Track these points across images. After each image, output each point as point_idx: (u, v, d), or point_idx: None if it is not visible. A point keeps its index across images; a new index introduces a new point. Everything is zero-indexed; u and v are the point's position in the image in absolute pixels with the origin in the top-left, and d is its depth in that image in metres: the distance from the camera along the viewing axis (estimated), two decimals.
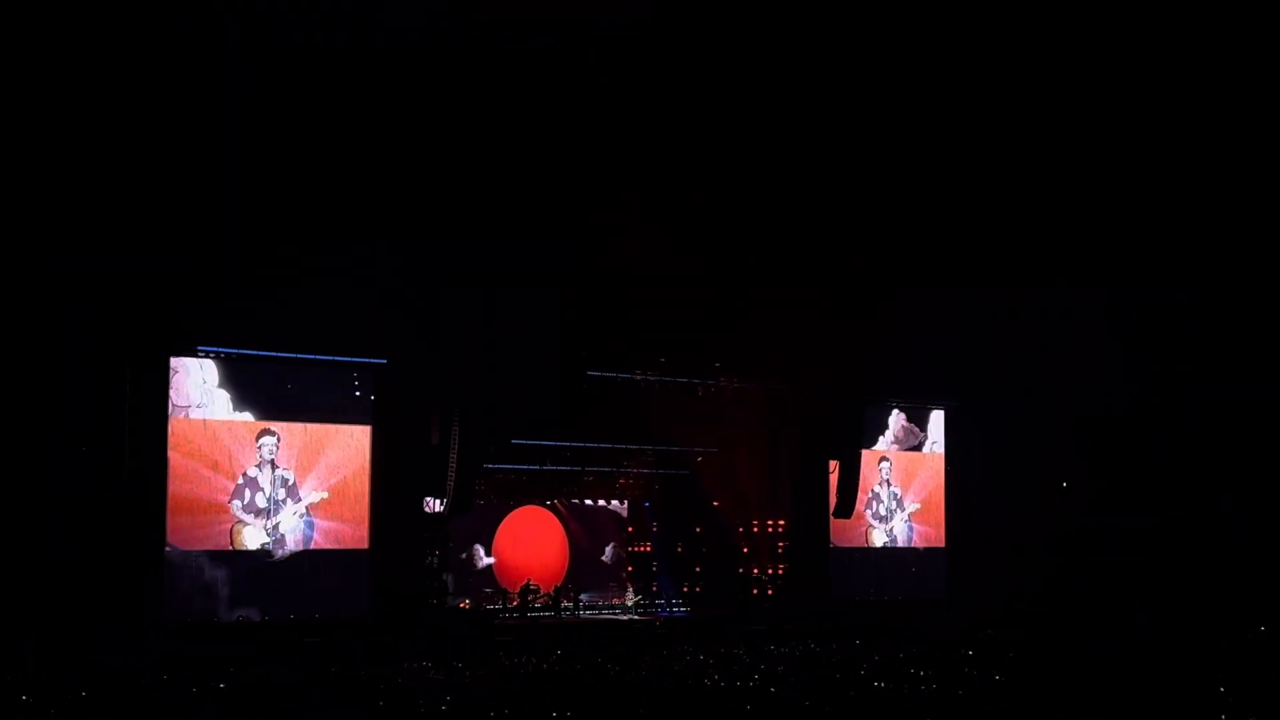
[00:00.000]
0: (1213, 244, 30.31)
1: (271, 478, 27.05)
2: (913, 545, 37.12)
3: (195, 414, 26.27)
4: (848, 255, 29.94)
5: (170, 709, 16.70)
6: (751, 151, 27.04)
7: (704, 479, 35.09)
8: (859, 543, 36.03)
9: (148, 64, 22.16)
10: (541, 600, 32.37)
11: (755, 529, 35.36)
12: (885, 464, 36.73)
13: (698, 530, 35.89)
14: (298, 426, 27.44)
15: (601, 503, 35.76)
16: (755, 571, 35.20)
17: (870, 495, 36.19)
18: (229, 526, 26.47)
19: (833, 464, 34.75)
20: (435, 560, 29.12)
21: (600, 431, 32.23)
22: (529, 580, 32.62)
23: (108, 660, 22.13)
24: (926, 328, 33.49)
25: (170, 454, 25.76)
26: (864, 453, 35.45)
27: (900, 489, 36.97)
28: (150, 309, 24.97)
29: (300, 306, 26.41)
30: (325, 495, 27.57)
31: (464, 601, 32.04)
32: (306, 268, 25.53)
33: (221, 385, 26.62)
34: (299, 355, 27.44)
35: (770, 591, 34.73)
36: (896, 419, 37.07)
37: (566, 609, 32.49)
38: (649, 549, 35.94)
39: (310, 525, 27.44)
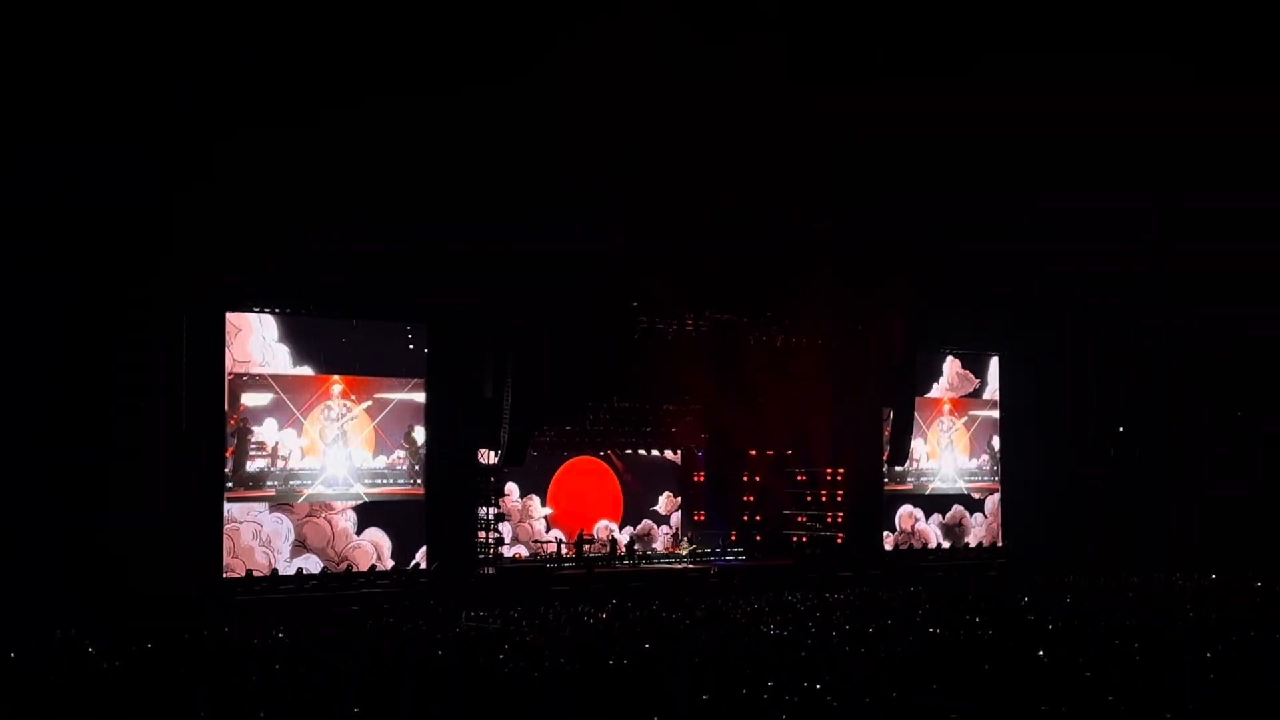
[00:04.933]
0: None
1: (329, 430, 27.34)
2: (968, 492, 36.98)
3: (256, 369, 26.58)
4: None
5: (230, 659, 16.95)
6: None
7: (758, 428, 34.98)
8: (914, 489, 35.96)
9: None
10: (596, 550, 32.55)
11: (802, 478, 35.28)
12: (943, 411, 36.57)
13: (750, 479, 35.87)
14: (355, 380, 27.69)
15: (655, 453, 35.82)
16: (803, 520, 35.15)
17: (927, 442, 36.08)
18: (287, 479, 26.81)
19: (887, 411, 34.62)
20: (490, 511, 29.30)
21: (653, 382, 32.11)
22: (582, 530, 32.80)
23: (170, 611, 22.49)
24: (982, 273, 33.28)
25: (230, 408, 26.13)
26: (919, 399, 35.28)
27: (955, 435, 36.79)
28: (207, 265, 25.17)
29: (354, 265, 26.58)
30: (394, 454, 27.93)
31: (520, 552, 32.30)
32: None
33: (281, 340, 26.90)
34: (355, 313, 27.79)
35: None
36: (951, 365, 36.84)
37: (621, 558, 32.65)
38: (702, 498, 35.99)
39: (367, 476, 27.74)
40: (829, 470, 34.72)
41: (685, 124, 24.86)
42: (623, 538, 33.95)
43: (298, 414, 26.99)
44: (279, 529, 26.67)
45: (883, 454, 34.77)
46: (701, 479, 36.18)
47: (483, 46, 23.73)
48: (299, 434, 27.06)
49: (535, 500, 33.34)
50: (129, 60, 22.38)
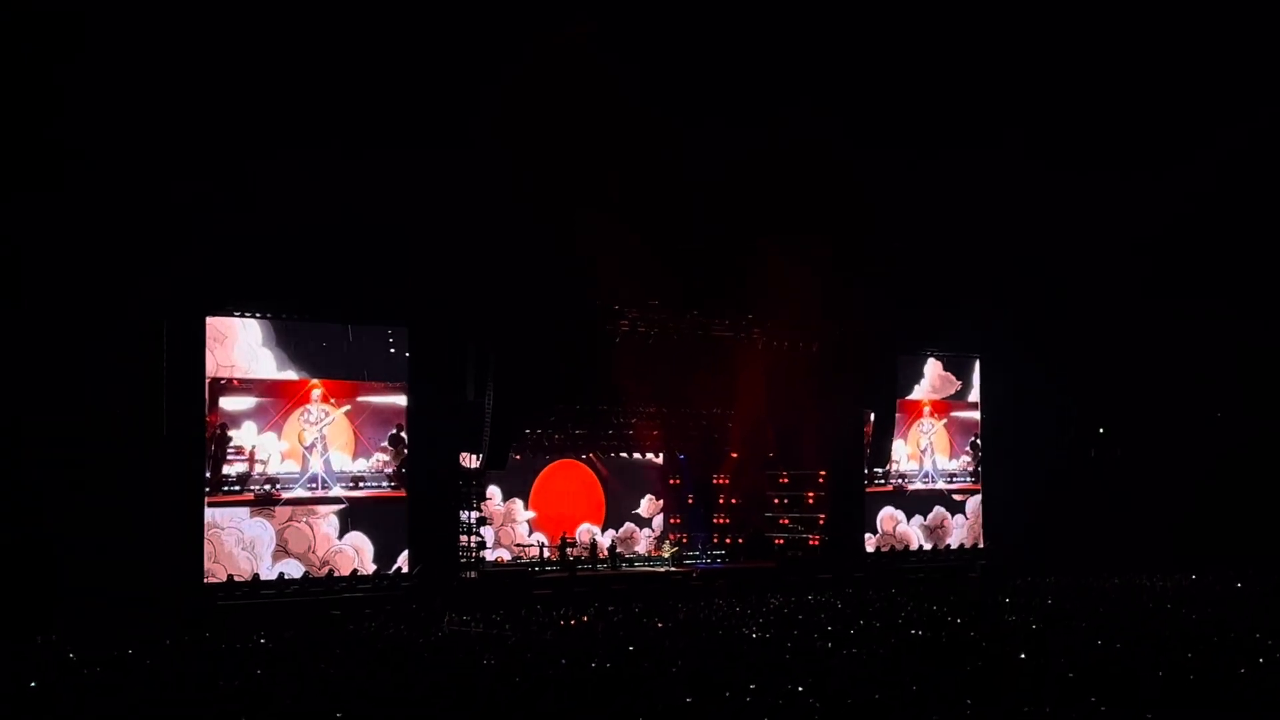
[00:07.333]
0: None
1: (313, 434, 27.25)
2: (949, 493, 37.04)
3: (240, 373, 26.48)
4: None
5: (212, 665, 16.87)
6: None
7: (739, 432, 34.94)
8: (895, 491, 36.01)
9: None
10: (578, 553, 32.49)
11: (785, 480, 35.30)
12: (922, 413, 36.63)
13: (733, 481, 35.88)
14: (336, 384, 27.60)
15: (637, 456, 35.79)
16: (785, 523, 35.18)
17: (907, 444, 36.14)
18: (270, 484, 26.70)
19: (868, 414, 34.65)
20: (473, 514, 29.21)
21: (635, 385, 32.01)
22: (565, 534, 32.74)
23: (152, 618, 22.39)
24: (965, 275, 33.36)
25: (210, 413, 26.04)
26: (900, 401, 35.35)
27: (936, 438, 36.85)
28: (187, 270, 25.10)
29: (336, 268, 26.51)
30: (374, 457, 27.84)
31: (502, 556, 32.25)
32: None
33: (266, 345, 26.80)
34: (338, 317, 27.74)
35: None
36: (933, 368, 36.91)
37: (603, 562, 32.61)
38: (687, 501, 35.96)
39: (349, 479, 27.65)
40: (811, 473, 34.72)
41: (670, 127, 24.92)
42: (605, 541, 33.91)
43: (277, 417, 26.90)
44: (261, 534, 26.57)
45: (864, 456, 34.83)
46: (684, 482, 36.17)
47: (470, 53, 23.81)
48: (279, 437, 26.96)
49: (518, 504, 33.28)
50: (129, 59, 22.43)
